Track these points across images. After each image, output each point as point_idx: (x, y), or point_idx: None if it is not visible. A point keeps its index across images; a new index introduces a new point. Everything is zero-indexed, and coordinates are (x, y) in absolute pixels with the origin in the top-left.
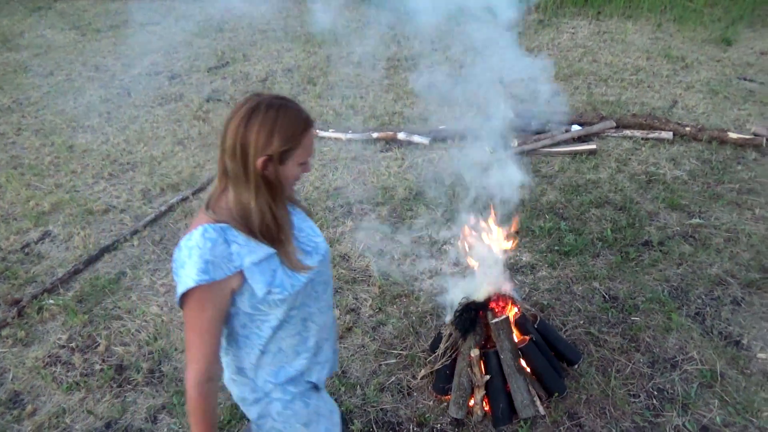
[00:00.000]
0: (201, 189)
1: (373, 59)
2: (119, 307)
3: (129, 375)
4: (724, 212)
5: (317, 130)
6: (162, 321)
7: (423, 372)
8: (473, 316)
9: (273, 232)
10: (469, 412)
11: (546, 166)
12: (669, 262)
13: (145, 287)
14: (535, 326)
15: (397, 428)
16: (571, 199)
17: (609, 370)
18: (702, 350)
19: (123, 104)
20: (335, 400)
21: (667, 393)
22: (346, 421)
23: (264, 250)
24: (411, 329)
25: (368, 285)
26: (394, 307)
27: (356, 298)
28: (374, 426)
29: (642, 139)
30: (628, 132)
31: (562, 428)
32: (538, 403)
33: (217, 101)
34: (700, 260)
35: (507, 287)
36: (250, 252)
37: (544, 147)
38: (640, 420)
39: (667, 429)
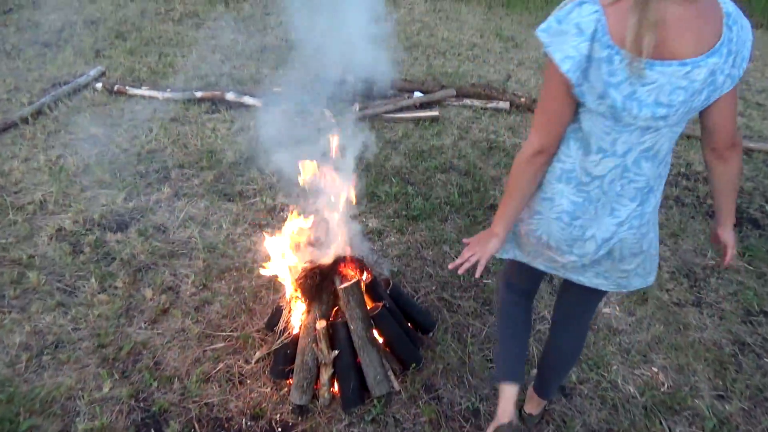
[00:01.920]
0: None
1: (197, 18)
2: None
3: None
4: None
5: (126, 88)
6: None
7: (258, 354)
8: (318, 282)
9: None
10: (315, 395)
11: (390, 131)
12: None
13: None
14: (388, 292)
15: (225, 425)
16: (417, 164)
17: (464, 335)
18: (551, 308)
19: None
20: (140, 398)
21: None
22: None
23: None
24: (243, 307)
25: (190, 259)
26: (222, 282)
27: (174, 275)
28: (196, 425)
29: (481, 108)
30: (468, 101)
31: (419, 403)
32: (392, 377)
33: None
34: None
35: (356, 251)
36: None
37: (387, 113)
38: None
39: (525, 393)
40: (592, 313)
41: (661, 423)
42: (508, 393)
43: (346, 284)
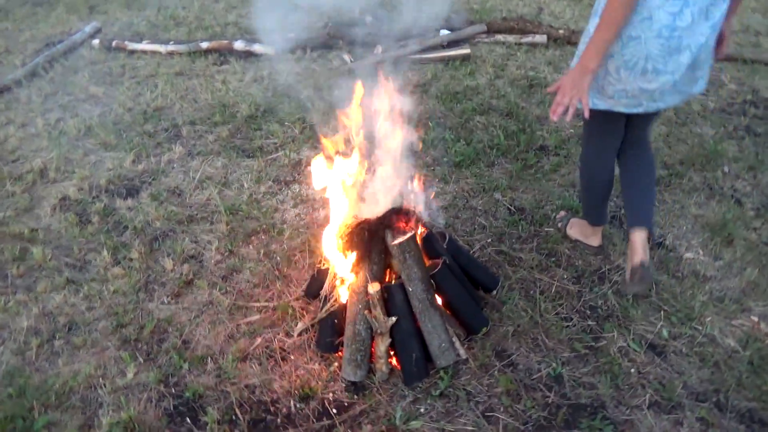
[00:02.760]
0: None
1: None
2: None
3: None
4: None
5: (125, 43)
6: None
7: (300, 326)
8: (367, 238)
9: None
10: (371, 370)
11: (417, 74)
12: (571, 165)
13: None
14: (445, 247)
15: (271, 408)
16: (451, 107)
17: (532, 292)
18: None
19: None
20: (171, 383)
21: (601, 310)
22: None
23: None
24: (276, 273)
25: (211, 224)
26: (250, 247)
27: (196, 242)
28: (237, 411)
29: (515, 44)
30: (500, 37)
31: (493, 372)
32: (458, 344)
33: None
34: None
35: (408, 201)
36: None
37: (412, 54)
38: (580, 347)
39: (612, 352)
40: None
41: None
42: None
43: (400, 239)
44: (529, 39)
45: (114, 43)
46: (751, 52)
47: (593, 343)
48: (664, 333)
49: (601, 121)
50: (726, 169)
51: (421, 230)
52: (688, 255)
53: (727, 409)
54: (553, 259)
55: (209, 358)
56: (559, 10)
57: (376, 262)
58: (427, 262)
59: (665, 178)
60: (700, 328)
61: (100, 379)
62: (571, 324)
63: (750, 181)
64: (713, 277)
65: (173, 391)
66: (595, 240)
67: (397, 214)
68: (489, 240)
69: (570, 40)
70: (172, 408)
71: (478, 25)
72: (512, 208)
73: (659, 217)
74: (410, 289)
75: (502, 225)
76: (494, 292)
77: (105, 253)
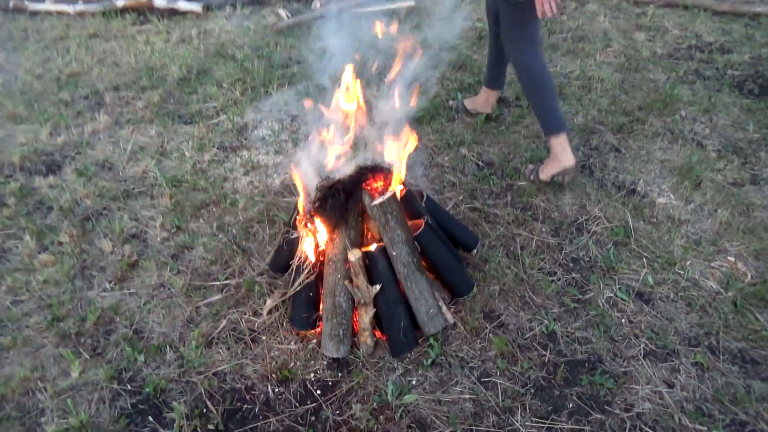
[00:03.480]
0: None
1: None
2: None
3: None
4: (566, 61)
5: (25, 3)
6: None
7: (269, 303)
8: (343, 200)
9: None
10: (354, 344)
11: (362, 29)
12: (533, 117)
13: None
14: (424, 205)
15: (247, 396)
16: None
17: (513, 249)
18: (603, 206)
19: None
20: (125, 379)
21: (584, 262)
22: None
23: None
24: (235, 248)
25: (152, 198)
26: (200, 221)
27: (136, 219)
28: (209, 402)
29: None
30: None
31: (484, 335)
32: (444, 309)
33: None
34: (564, 111)
35: (379, 158)
36: None
37: (353, 7)
38: (569, 300)
39: (601, 303)
40: None
41: (756, 318)
42: (565, 140)
43: (380, 199)
44: None
45: (12, 4)
46: None
47: (581, 296)
48: (649, 279)
49: (535, 21)
50: (683, 113)
51: (401, 187)
52: (661, 200)
53: (720, 351)
54: (529, 212)
55: (168, 347)
56: None
57: (353, 226)
58: (408, 223)
59: (627, 125)
60: (682, 272)
61: (39, 382)
62: (556, 278)
63: (707, 123)
64: (687, 220)
65: (129, 387)
66: (568, 158)
67: (371, 171)
68: (461, 197)
69: None
70: (129, 407)
71: None
72: (480, 163)
73: (628, 164)
74: (393, 254)
75: (472, 181)
76: (475, 251)
77: (27, 238)
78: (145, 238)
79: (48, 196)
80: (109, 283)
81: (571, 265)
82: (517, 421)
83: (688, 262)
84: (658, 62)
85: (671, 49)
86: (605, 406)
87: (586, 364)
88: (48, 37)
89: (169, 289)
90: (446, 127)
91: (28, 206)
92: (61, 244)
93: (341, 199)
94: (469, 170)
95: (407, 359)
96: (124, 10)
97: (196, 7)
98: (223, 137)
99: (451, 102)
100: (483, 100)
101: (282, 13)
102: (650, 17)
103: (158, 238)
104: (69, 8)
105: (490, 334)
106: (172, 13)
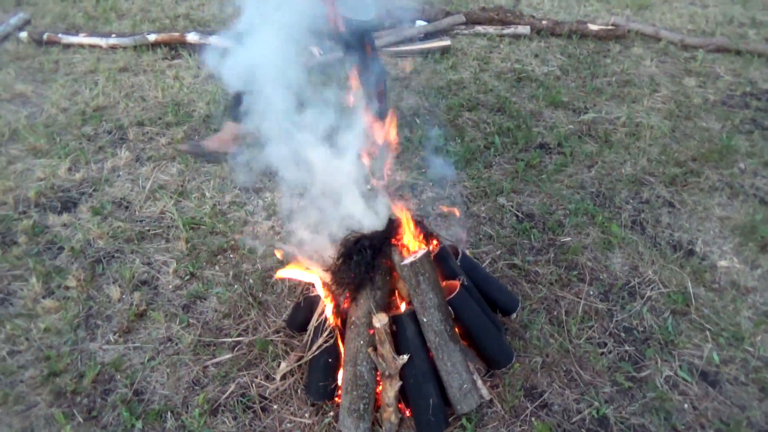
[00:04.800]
0: None
1: None
2: None
3: None
4: (611, 106)
5: (59, 36)
6: None
7: (284, 367)
8: (370, 257)
9: None
10: (376, 421)
11: (394, 67)
12: (577, 165)
13: None
14: (458, 264)
15: None
16: (436, 102)
17: (556, 313)
18: (658, 268)
19: None
20: None
21: (638, 332)
22: None
23: None
24: (250, 300)
25: (167, 241)
26: (216, 268)
27: (149, 263)
28: None
29: (497, 36)
30: (480, 28)
31: (525, 416)
32: (480, 383)
33: None
34: (610, 159)
35: (409, 208)
36: None
37: (388, 46)
38: (623, 378)
39: (659, 383)
40: None
41: None
42: None
43: (411, 258)
44: (511, 30)
45: (45, 37)
46: (742, 42)
47: (636, 374)
48: (715, 357)
49: None
50: (742, 165)
51: (432, 245)
52: (723, 263)
53: None
54: (575, 272)
55: (169, 413)
56: (538, 1)
57: (380, 286)
58: (442, 284)
59: (680, 177)
60: (752, 350)
61: None
62: (606, 351)
63: None
64: (755, 288)
65: None
66: None
67: (401, 226)
68: (498, 252)
69: (554, 31)
70: None
71: (456, 15)
72: (520, 215)
73: (684, 221)
74: (424, 320)
75: (510, 234)
76: (514, 315)
77: (34, 280)
78: (156, 285)
79: (60, 235)
80: (114, 334)
81: (623, 335)
82: None
83: (759, 338)
84: (711, 110)
85: (724, 96)
86: None
87: None
88: (78, 70)
89: (176, 344)
90: (483, 174)
91: (39, 245)
92: (67, 288)
93: (368, 256)
94: (507, 222)
95: None
96: (156, 44)
97: (228, 43)
98: (246, 178)
99: None
100: None
101: (315, 50)
102: (700, 62)
103: (170, 286)
104: (101, 41)
105: (532, 417)
106: (204, 48)
